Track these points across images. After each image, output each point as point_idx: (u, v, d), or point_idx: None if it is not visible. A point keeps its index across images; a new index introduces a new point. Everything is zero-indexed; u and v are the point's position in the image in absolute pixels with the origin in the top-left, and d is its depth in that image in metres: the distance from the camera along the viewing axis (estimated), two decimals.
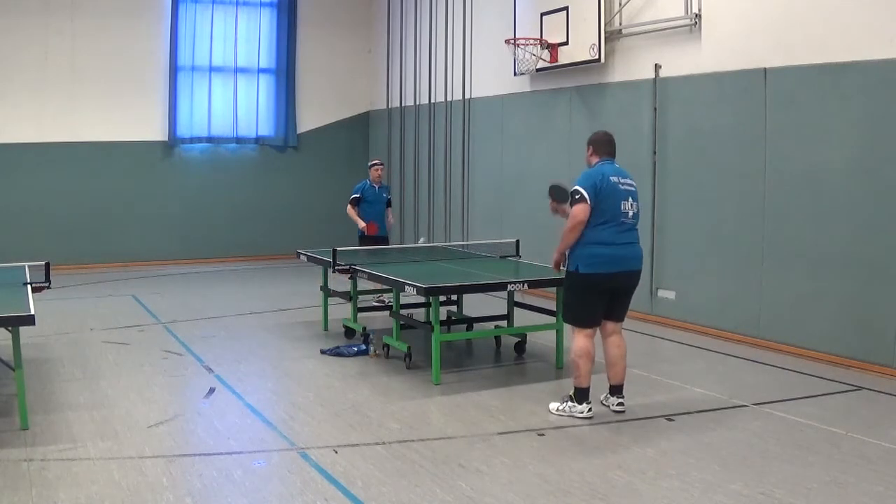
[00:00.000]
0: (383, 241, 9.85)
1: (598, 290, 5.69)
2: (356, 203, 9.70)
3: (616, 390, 5.89)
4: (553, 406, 5.85)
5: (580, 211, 5.57)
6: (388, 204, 10.01)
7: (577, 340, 5.73)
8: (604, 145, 5.89)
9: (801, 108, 7.49)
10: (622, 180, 5.74)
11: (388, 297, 9.15)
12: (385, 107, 14.48)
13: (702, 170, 8.55)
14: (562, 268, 6.00)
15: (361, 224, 9.63)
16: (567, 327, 7.13)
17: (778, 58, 7.64)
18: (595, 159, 5.87)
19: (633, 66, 9.30)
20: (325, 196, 14.77)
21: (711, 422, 5.69)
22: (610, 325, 5.86)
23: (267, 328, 8.91)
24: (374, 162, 10.05)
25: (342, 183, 14.97)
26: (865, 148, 6.97)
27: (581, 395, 5.72)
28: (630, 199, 5.74)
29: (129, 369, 7.03)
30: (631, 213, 5.74)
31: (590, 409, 5.70)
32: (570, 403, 5.75)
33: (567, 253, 5.81)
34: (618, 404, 5.85)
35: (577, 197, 5.61)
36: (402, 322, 7.38)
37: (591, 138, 5.98)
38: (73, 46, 12.86)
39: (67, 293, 10.62)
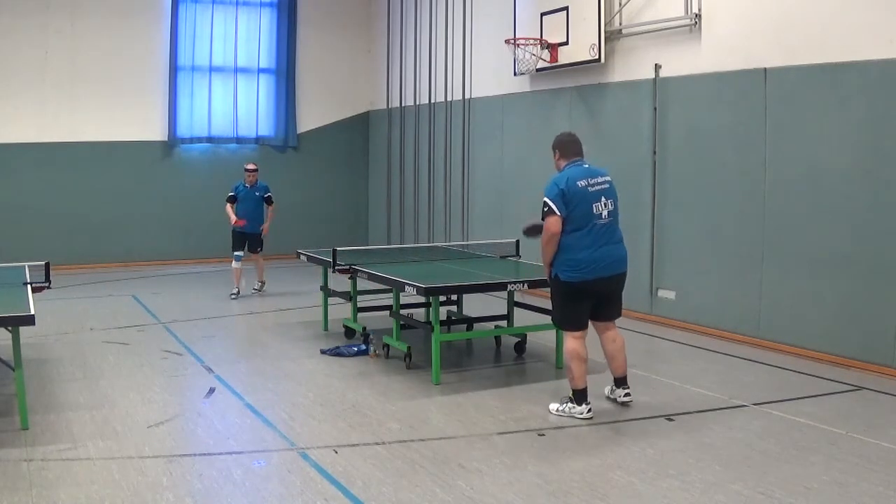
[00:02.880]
0: (254, 238, 10.83)
1: (579, 296, 5.68)
2: (231, 201, 10.77)
3: (621, 382, 5.94)
4: (553, 406, 5.85)
5: (552, 223, 5.54)
6: (268, 202, 10.91)
7: (567, 343, 5.75)
8: (569, 146, 5.83)
9: (801, 108, 7.49)
10: (591, 181, 5.66)
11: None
12: (385, 107, 14.49)
13: (702, 170, 8.55)
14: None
15: (233, 219, 10.65)
16: None
17: (778, 58, 7.64)
18: (563, 162, 5.81)
19: (633, 66, 9.30)
20: (325, 196, 14.80)
21: (711, 422, 5.69)
22: (602, 325, 5.88)
23: (267, 328, 8.91)
24: (246, 167, 10.96)
25: (342, 183, 15.05)
26: (865, 148, 6.97)
27: (579, 396, 5.71)
28: (603, 199, 5.66)
29: (129, 369, 7.03)
30: (605, 213, 5.66)
31: (589, 410, 5.70)
32: (569, 404, 5.75)
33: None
34: (625, 395, 5.89)
35: (545, 210, 5.57)
36: (402, 322, 7.38)
37: (554, 142, 5.92)
38: (73, 46, 12.86)
39: (67, 293, 10.62)
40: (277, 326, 9.00)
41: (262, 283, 11.13)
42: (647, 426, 5.61)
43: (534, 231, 6.02)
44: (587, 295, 5.68)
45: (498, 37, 10.84)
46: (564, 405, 5.77)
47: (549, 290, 5.95)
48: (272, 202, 10.92)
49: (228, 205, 10.75)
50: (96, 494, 4.37)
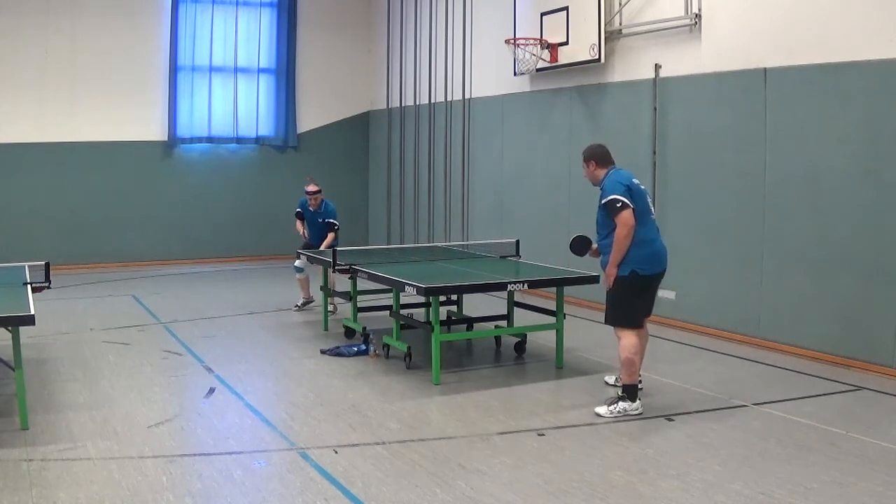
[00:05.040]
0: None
1: (647, 290, 5.94)
2: (300, 217, 9.95)
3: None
4: (601, 409, 5.80)
5: (629, 216, 5.70)
6: (330, 228, 9.63)
7: (630, 339, 5.80)
8: (605, 156, 6.06)
9: (801, 108, 7.49)
10: (637, 182, 5.97)
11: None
12: (385, 107, 14.49)
13: (702, 170, 8.54)
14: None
15: (300, 230, 9.92)
16: (570, 329, 7.15)
17: (778, 58, 7.64)
18: (602, 171, 6.00)
19: (633, 66, 9.29)
20: (326, 196, 14.73)
21: (711, 422, 5.69)
22: (644, 320, 6.09)
23: (267, 328, 8.91)
24: (307, 189, 9.74)
25: (342, 183, 15.03)
26: (865, 148, 6.96)
27: (634, 392, 5.81)
28: (649, 198, 6.01)
29: (129, 369, 7.03)
30: (654, 210, 6.05)
31: (641, 404, 5.83)
32: (623, 403, 5.77)
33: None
34: (639, 382, 6.07)
35: (618, 205, 5.71)
36: (402, 322, 7.38)
37: (589, 153, 6.08)
38: (74, 46, 12.86)
39: (67, 293, 10.62)
40: (277, 326, 9.00)
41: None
42: (647, 426, 5.62)
43: (580, 245, 6.25)
44: (652, 289, 6.00)
45: (498, 37, 10.83)
46: (616, 405, 5.77)
47: (548, 289, 5.97)
48: (334, 229, 9.62)
49: (298, 221, 9.95)
50: (96, 494, 4.37)
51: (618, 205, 5.70)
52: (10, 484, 4.49)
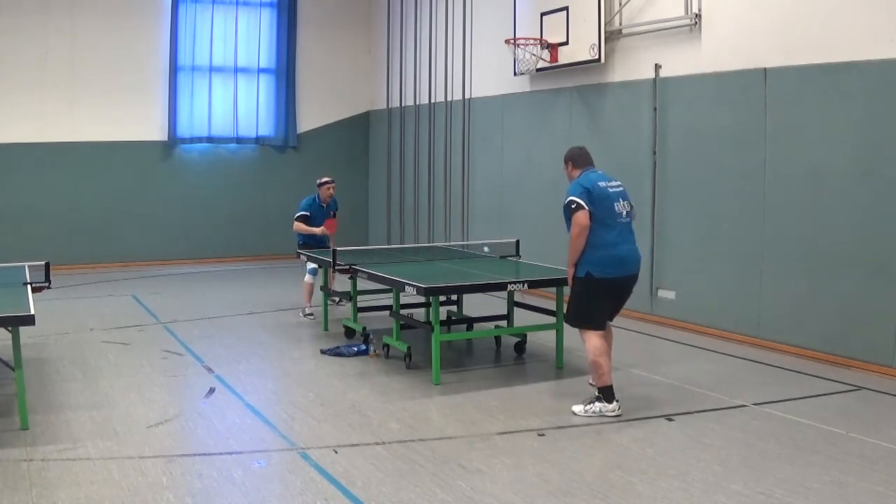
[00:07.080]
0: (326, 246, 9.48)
1: (607, 294, 5.86)
2: (303, 220, 9.56)
3: None
4: (577, 409, 5.81)
5: (583, 217, 5.71)
6: (334, 216, 9.91)
7: (592, 341, 5.79)
8: (581, 157, 6.10)
9: (801, 108, 7.49)
10: (609, 184, 5.92)
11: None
12: (385, 107, 14.49)
13: (702, 170, 8.55)
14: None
15: (317, 230, 9.50)
16: (570, 329, 7.15)
17: (778, 58, 7.64)
18: (577, 172, 6.05)
19: (633, 66, 9.30)
20: None
21: (711, 422, 5.69)
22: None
23: (267, 328, 8.91)
24: (326, 180, 9.77)
25: (342, 183, 14.96)
26: (865, 148, 6.97)
27: (609, 393, 5.77)
28: (622, 200, 5.91)
29: (129, 369, 7.03)
30: (625, 213, 5.92)
31: (619, 406, 5.76)
32: (598, 404, 5.76)
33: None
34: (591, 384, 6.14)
35: (573, 206, 5.75)
36: (402, 322, 7.38)
37: (568, 154, 6.18)
38: (73, 46, 12.86)
39: (67, 293, 10.62)
40: (277, 326, 9.00)
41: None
42: (647, 426, 5.61)
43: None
44: (613, 293, 5.90)
45: (498, 37, 10.83)
46: (592, 405, 5.77)
47: (548, 289, 5.98)
48: (335, 215, 9.90)
49: (300, 224, 9.52)
50: (96, 494, 4.37)
51: (572, 206, 5.75)
52: (10, 484, 4.49)
